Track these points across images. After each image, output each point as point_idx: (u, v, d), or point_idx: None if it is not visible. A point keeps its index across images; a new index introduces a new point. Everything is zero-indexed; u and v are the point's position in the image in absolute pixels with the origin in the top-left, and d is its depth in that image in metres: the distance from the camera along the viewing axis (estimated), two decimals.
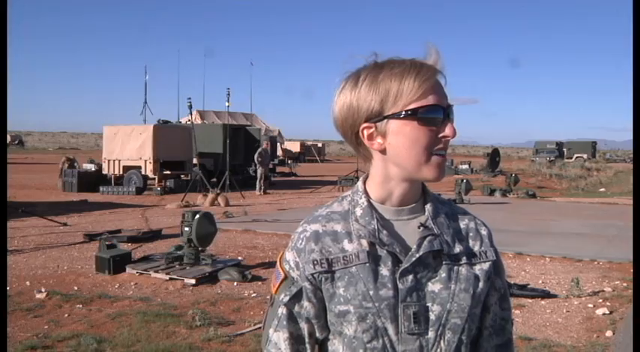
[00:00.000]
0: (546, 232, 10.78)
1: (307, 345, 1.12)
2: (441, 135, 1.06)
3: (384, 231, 1.08)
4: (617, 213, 14.01)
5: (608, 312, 5.56)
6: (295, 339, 1.11)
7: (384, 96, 1.06)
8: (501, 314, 1.17)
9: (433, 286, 1.07)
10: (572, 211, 14.71)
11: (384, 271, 1.06)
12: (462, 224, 1.16)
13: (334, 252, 1.09)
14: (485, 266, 1.13)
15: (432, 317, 1.06)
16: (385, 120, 1.07)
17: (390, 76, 1.06)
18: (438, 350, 1.06)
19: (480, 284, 1.11)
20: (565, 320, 5.40)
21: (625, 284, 6.60)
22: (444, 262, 1.09)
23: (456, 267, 1.09)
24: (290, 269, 1.13)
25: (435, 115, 1.05)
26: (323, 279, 1.09)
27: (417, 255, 1.06)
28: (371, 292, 1.05)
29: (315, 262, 1.09)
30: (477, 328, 1.14)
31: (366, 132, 1.09)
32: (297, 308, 1.11)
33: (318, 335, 1.12)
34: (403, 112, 1.05)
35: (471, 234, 1.15)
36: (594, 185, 25.58)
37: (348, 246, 1.09)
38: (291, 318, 1.12)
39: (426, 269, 1.08)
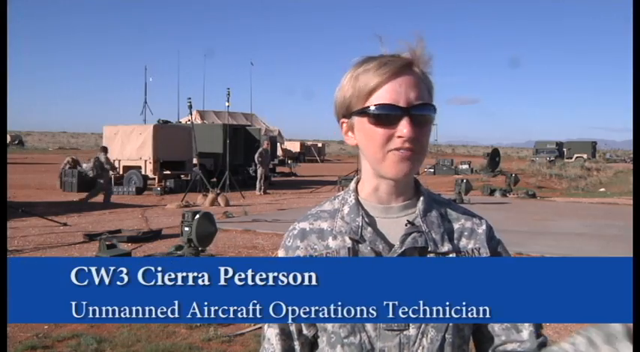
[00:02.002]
0: (546, 232, 10.78)
1: (297, 342, 1.13)
2: (396, 134, 1.03)
3: (369, 228, 1.09)
4: (617, 213, 14.02)
5: None
6: (286, 335, 1.13)
7: (352, 93, 1.07)
8: None
9: None
10: (572, 211, 14.72)
11: None
12: (458, 224, 1.14)
13: (319, 249, 1.11)
14: None
15: None
16: (353, 117, 1.09)
17: (361, 73, 1.07)
18: (420, 347, 1.05)
19: None
20: None
21: None
22: None
23: None
24: None
25: (386, 112, 1.03)
26: None
27: (399, 251, 1.06)
28: None
29: None
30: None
31: (344, 127, 1.12)
32: None
33: (305, 331, 1.12)
34: (359, 110, 1.06)
35: (465, 233, 1.13)
36: (594, 185, 25.59)
37: (332, 243, 1.10)
38: None
39: None
